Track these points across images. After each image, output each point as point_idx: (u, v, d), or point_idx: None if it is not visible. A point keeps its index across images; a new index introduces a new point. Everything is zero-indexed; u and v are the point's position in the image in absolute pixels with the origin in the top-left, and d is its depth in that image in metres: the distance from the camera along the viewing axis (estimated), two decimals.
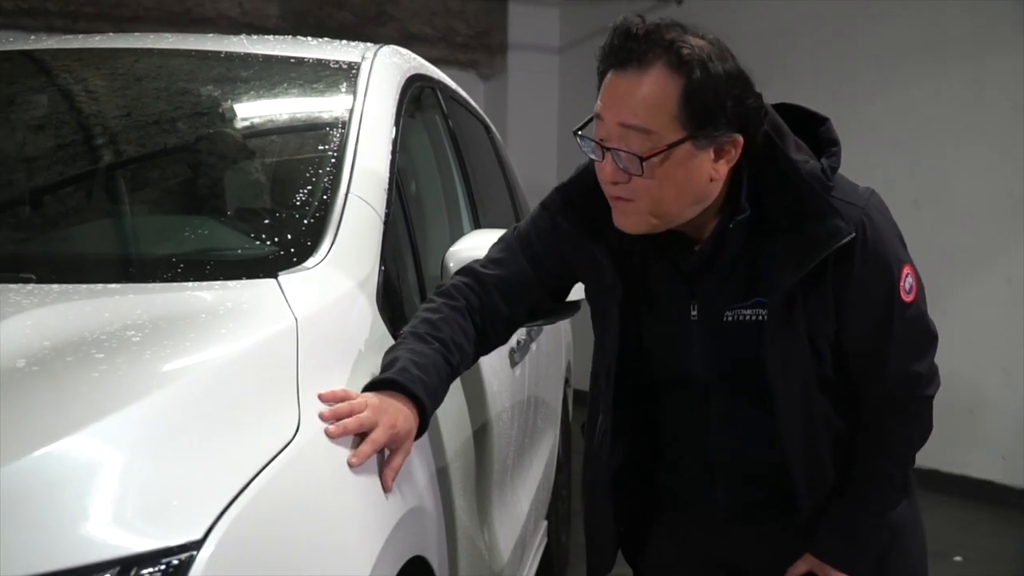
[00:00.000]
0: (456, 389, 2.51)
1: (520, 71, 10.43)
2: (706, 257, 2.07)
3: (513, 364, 3.25)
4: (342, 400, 1.82)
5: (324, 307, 1.97)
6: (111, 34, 3.18)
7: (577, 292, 2.36)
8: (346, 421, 1.78)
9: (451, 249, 2.52)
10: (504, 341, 2.36)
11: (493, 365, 2.93)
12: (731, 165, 1.98)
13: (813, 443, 2.12)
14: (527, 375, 3.55)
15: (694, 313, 2.11)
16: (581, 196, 2.16)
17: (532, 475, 3.77)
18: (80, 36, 3.17)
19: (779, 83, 7.89)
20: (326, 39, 3.18)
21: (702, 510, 2.27)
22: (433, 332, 2.08)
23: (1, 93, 2.84)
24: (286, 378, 1.74)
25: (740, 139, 1.95)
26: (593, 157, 2.01)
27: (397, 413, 1.89)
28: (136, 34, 3.17)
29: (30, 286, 1.89)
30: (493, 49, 10.54)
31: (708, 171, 1.95)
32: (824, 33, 7.77)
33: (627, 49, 1.91)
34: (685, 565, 2.35)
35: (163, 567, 1.34)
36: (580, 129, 2.01)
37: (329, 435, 1.74)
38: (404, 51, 3.22)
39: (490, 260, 2.29)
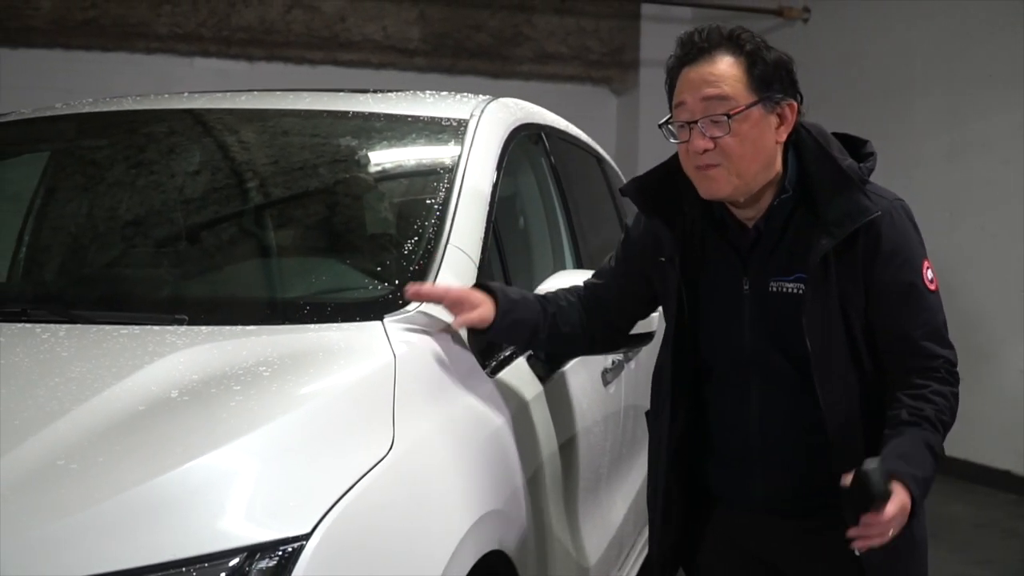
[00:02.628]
0: (543, 408, 2.92)
1: (652, 86, 10.71)
2: (758, 232, 2.49)
3: (606, 383, 3.61)
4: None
5: (419, 345, 2.39)
6: (240, 92, 3.58)
7: (648, 324, 2.78)
8: (427, 286, 2.48)
9: (537, 289, 2.90)
10: (607, 343, 2.92)
11: (583, 385, 3.32)
12: (789, 131, 2.45)
13: (848, 414, 2.44)
14: (623, 391, 3.91)
15: (746, 287, 2.52)
16: (649, 182, 2.65)
17: (631, 482, 4.12)
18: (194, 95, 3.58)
19: (898, 98, 8.17)
20: (445, 93, 3.54)
21: (744, 502, 2.60)
22: (543, 294, 2.76)
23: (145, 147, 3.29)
24: (384, 405, 2.16)
25: (795, 104, 2.44)
26: (676, 141, 2.46)
27: (475, 291, 2.56)
28: (270, 92, 3.57)
29: (183, 328, 2.35)
30: (626, 65, 10.89)
31: (773, 135, 2.43)
32: (942, 53, 7.95)
33: (697, 48, 2.42)
34: (729, 563, 2.69)
35: (280, 553, 1.77)
36: (665, 123, 2.49)
37: (408, 295, 2.44)
38: (512, 103, 3.58)
39: (594, 274, 2.84)
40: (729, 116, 2.36)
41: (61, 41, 9.19)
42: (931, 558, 5.15)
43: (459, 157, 3.00)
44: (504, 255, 3.05)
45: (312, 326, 2.38)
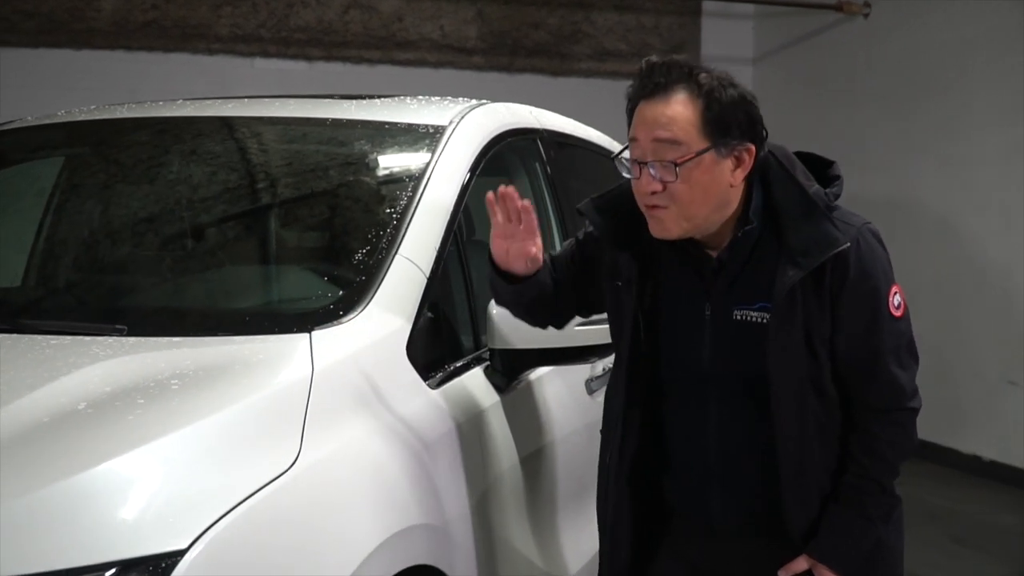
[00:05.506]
0: (500, 419, 2.90)
1: None
2: (722, 263, 2.43)
3: (591, 392, 3.57)
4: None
5: (345, 358, 2.38)
6: (230, 100, 3.61)
7: (589, 338, 2.74)
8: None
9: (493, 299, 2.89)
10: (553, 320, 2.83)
11: (558, 394, 3.29)
12: (746, 173, 2.37)
13: (803, 444, 2.41)
14: None
15: (708, 313, 2.46)
16: (609, 204, 2.58)
17: None
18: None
19: (959, 92, 8.04)
20: (436, 99, 3.54)
21: (699, 519, 2.56)
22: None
23: None
24: (293, 419, 2.16)
25: (753, 147, 2.35)
26: (629, 176, 2.40)
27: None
28: (259, 99, 3.61)
29: (111, 338, 2.37)
30: None
31: (728, 178, 2.35)
32: (1003, 47, 7.78)
33: (654, 81, 2.34)
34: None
35: (152, 569, 1.78)
36: (617, 155, 2.43)
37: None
38: (503, 108, 3.55)
39: (552, 257, 2.77)
40: (677, 164, 2.30)
41: (123, 43, 9.32)
42: (973, 567, 5.15)
43: (427, 165, 2.98)
44: (467, 263, 3.03)
45: (237, 338, 2.39)
